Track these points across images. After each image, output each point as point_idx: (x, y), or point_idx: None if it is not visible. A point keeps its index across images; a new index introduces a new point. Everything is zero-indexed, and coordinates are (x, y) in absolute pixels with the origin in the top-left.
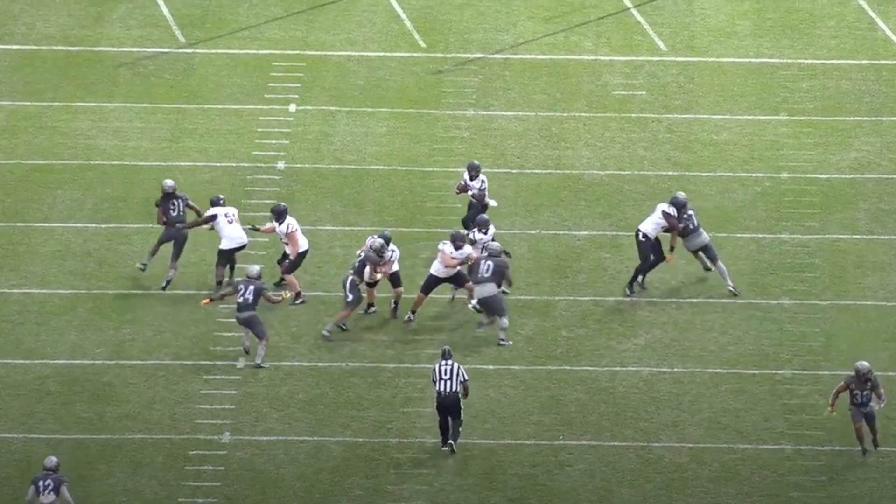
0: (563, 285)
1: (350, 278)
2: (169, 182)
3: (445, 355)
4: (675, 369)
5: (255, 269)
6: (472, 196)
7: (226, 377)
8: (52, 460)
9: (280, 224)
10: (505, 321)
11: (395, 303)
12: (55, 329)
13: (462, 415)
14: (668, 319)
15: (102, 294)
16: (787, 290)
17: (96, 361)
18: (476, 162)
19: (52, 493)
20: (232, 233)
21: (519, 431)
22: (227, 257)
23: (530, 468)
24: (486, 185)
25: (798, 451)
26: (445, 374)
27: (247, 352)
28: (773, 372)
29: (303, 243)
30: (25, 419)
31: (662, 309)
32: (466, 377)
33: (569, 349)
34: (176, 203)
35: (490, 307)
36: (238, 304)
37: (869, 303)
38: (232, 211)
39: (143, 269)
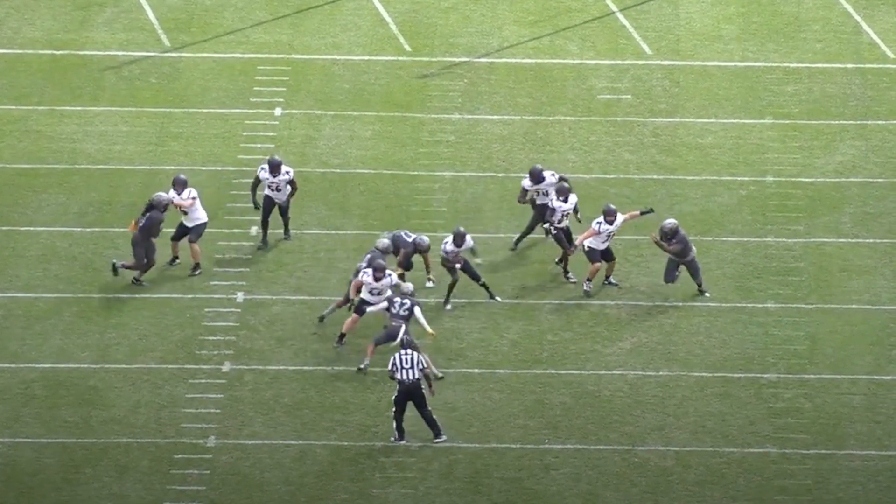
0: (549, 289)
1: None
2: (157, 196)
3: (405, 345)
4: (661, 373)
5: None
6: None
7: (211, 381)
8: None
9: (179, 194)
10: None
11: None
12: (40, 333)
13: (428, 404)
14: (654, 323)
15: (88, 298)
16: (772, 293)
17: (82, 365)
18: (566, 185)
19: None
20: (276, 196)
21: (504, 435)
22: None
23: (516, 472)
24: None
25: (783, 455)
26: (406, 364)
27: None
28: (759, 375)
29: (200, 216)
30: (11, 423)
31: (648, 312)
32: (425, 364)
33: (554, 353)
34: (143, 216)
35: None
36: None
37: (854, 306)
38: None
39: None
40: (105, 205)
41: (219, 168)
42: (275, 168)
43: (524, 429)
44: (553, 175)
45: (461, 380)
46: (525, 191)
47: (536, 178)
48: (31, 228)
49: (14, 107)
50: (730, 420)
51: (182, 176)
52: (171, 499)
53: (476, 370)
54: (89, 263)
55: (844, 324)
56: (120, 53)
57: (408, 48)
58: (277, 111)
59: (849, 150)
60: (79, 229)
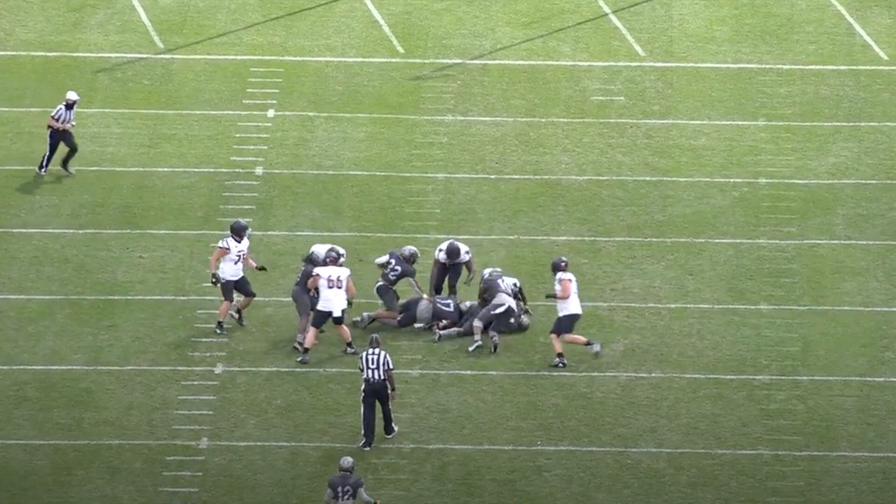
0: (541, 291)
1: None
2: (314, 251)
3: (372, 343)
4: (653, 375)
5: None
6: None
7: (203, 383)
8: (347, 461)
9: (241, 242)
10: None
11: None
12: (33, 335)
13: (391, 404)
14: (646, 325)
15: (80, 300)
16: (765, 295)
17: (74, 367)
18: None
19: (350, 498)
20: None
21: (497, 437)
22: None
23: (508, 474)
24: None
25: (776, 457)
26: (372, 364)
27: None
28: (751, 377)
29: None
30: (3, 425)
31: (640, 314)
32: (391, 366)
33: (546, 355)
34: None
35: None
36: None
37: (846, 308)
38: (342, 273)
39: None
40: (98, 206)
41: (212, 170)
42: (333, 259)
43: (516, 430)
44: (468, 252)
45: (454, 381)
46: (438, 262)
47: (453, 254)
48: (24, 230)
49: (7, 108)
50: (722, 422)
51: (243, 221)
52: (164, 500)
53: (468, 372)
54: (82, 265)
55: (837, 325)
56: (113, 55)
57: (401, 50)
58: (270, 113)
59: (842, 152)
60: (71, 231)
